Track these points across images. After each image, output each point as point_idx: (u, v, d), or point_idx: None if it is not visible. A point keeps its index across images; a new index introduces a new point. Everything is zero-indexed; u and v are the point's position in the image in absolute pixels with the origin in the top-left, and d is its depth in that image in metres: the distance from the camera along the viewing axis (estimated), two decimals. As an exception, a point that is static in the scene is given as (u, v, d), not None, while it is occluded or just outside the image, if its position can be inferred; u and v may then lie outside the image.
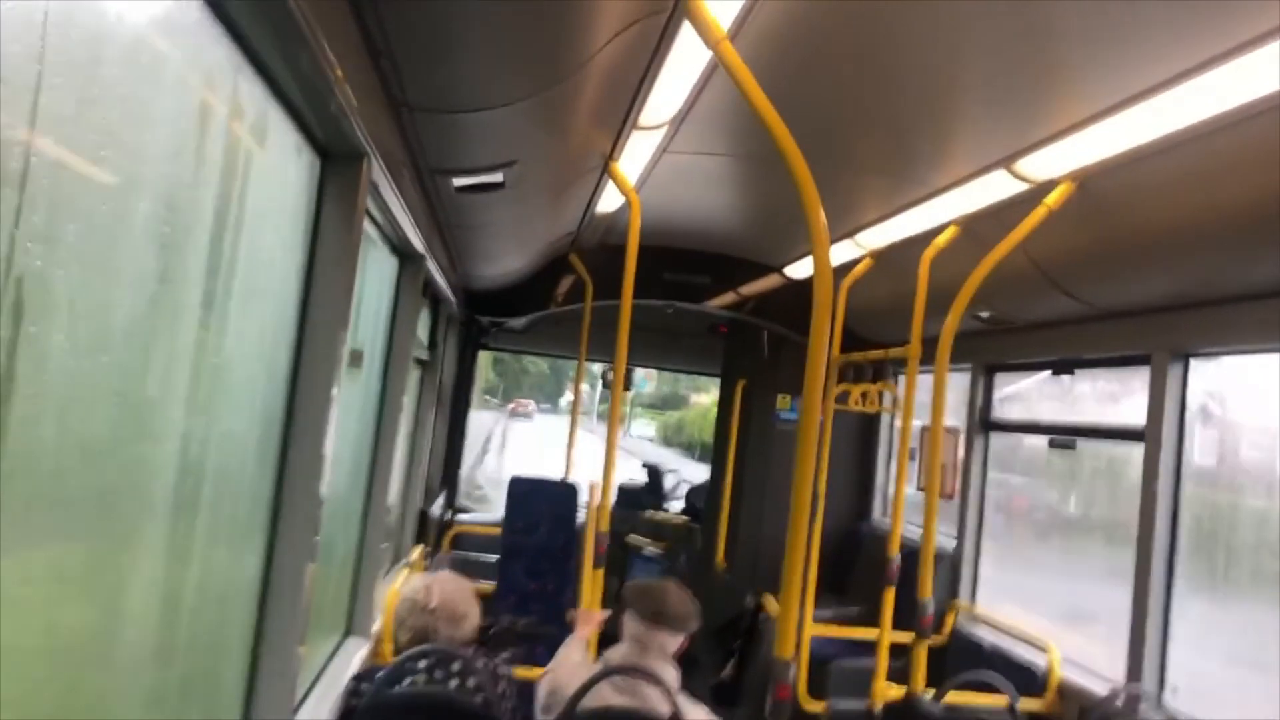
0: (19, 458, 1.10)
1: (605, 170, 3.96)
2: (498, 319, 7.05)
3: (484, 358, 9.04)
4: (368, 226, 2.88)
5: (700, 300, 6.85)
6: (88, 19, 1.14)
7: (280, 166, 2.02)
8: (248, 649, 2.20)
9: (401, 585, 3.32)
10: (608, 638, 3.42)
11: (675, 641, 3.03)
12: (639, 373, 15.43)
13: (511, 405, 45.64)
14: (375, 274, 3.45)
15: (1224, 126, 2.62)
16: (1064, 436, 4.83)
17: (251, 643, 2.21)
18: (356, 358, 3.17)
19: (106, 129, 1.22)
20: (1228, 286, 3.53)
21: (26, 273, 1.05)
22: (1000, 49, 2.70)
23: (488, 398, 39.61)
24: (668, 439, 34.94)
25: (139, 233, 1.37)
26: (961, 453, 5.48)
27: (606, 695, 2.88)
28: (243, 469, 2.04)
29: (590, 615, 3.60)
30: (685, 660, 3.09)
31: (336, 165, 2.27)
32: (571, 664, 3.16)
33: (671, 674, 2.98)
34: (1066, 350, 4.69)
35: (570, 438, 6.61)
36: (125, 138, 1.28)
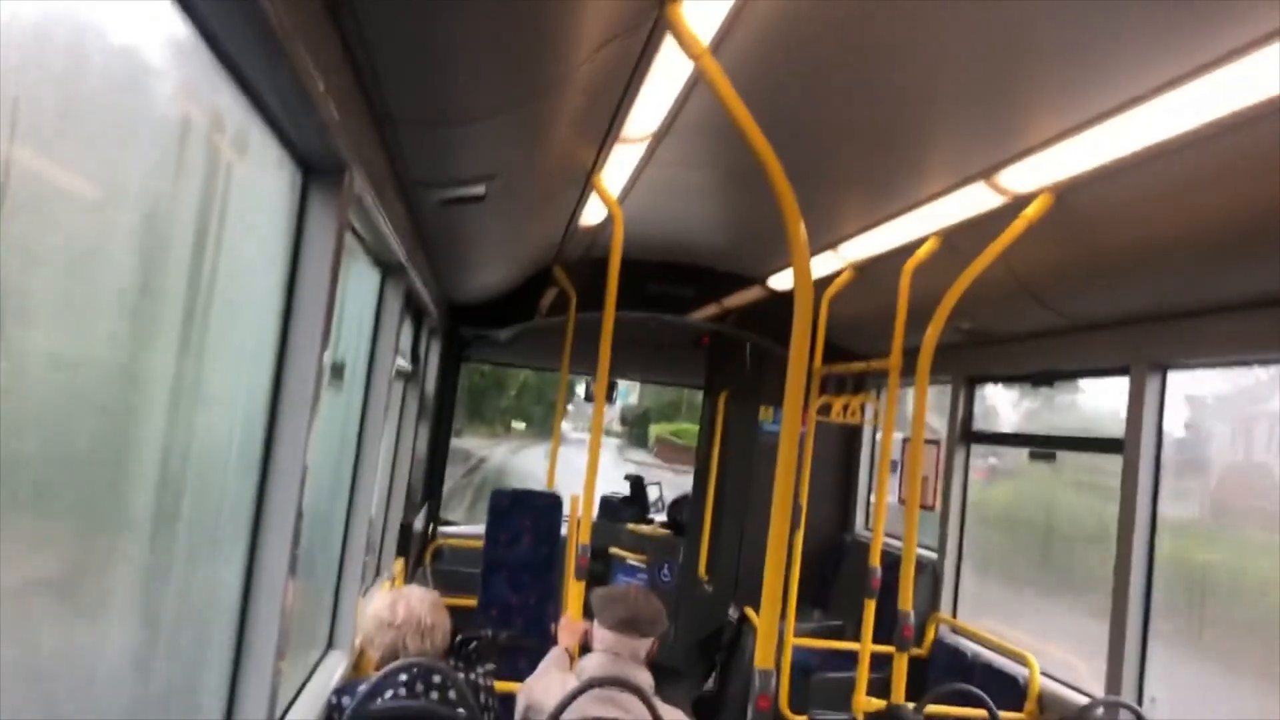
0: (-3, 470, 1.10)
1: (588, 183, 3.96)
2: (481, 331, 7.03)
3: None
4: (350, 239, 2.88)
5: (684, 312, 6.85)
6: (67, 31, 1.14)
7: (261, 180, 2.02)
8: (228, 662, 2.19)
9: (370, 603, 3.31)
10: (583, 648, 3.43)
11: (645, 645, 3.05)
12: (622, 384, 15.41)
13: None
14: (357, 286, 3.44)
15: (1199, 140, 2.65)
16: (1044, 449, 4.87)
17: (232, 656, 2.20)
18: (338, 370, 3.16)
19: (86, 141, 1.22)
20: (1204, 298, 3.57)
21: (5, 284, 1.05)
22: (979, 63, 2.73)
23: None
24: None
25: (119, 245, 1.37)
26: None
27: (587, 707, 2.88)
28: (223, 481, 2.04)
29: (573, 626, 3.60)
30: (668, 672, 3.09)
31: (318, 178, 2.26)
32: (544, 680, 3.17)
33: (646, 678, 2.99)
34: (1046, 362, 4.72)
35: (553, 448, 6.60)
36: (105, 150, 1.28)
